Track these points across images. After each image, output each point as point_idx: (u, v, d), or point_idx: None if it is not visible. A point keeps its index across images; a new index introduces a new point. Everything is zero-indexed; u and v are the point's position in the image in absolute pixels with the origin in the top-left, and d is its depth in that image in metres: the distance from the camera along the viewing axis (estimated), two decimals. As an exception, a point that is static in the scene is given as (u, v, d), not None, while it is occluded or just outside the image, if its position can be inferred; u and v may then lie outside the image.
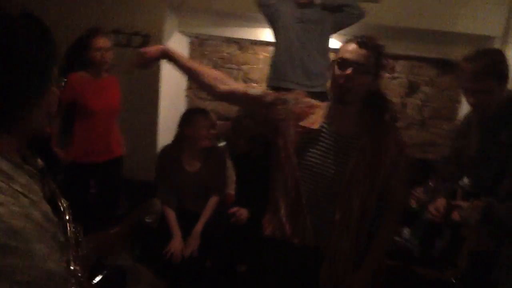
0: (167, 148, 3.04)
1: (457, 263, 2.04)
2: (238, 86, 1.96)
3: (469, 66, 1.95)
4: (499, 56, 2.00)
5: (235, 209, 2.93)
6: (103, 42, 3.03)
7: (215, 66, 4.68)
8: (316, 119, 1.82)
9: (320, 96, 3.31)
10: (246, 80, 4.64)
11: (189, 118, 2.98)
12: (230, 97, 1.93)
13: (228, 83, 1.93)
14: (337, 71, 1.75)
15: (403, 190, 1.93)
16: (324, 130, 1.82)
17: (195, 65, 1.96)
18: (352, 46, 1.75)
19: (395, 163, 1.81)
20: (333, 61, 1.79)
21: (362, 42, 1.74)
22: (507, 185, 1.99)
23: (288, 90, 2.71)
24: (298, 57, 3.28)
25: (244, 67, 4.52)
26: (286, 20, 3.30)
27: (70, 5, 4.10)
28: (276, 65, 3.37)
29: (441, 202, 2.25)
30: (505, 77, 1.98)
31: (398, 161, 1.82)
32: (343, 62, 1.74)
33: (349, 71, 1.72)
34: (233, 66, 4.67)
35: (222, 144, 3.54)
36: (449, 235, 2.14)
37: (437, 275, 2.62)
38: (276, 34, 3.39)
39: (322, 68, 3.31)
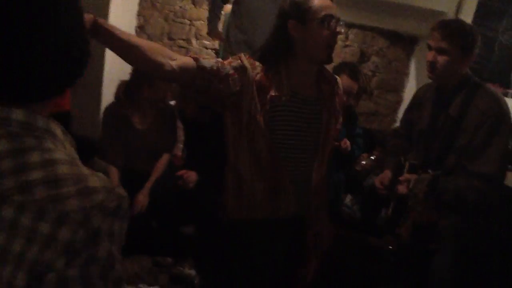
0: (114, 105, 2.91)
1: (400, 232, 2.12)
2: (186, 59, 1.59)
3: (442, 26, 2.05)
4: (471, 31, 2.08)
5: (183, 171, 2.88)
6: None
7: (166, 20, 4.50)
8: (278, 86, 1.71)
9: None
10: (198, 36, 4.50)
11: (151, 80, 2.83)
12: (181, 75, 1.57)
13: (176, 57, 1.56)
14: (324, 30, 1.65)
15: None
16: (292, 97, 1.74)
17: (132, 38, 1.50)
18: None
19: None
20: (313, 19, 1.65)
21: None
22: (451, 159, 2.08)
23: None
24: (262, 25, 3.18)
25: (197, 23, 4.36)
26: None
27: None
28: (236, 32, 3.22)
29: (386, 175, 2.32)
30: (468, 50, 2.05)
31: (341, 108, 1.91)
32: (329, 18, 1.64)
33: (341, 28, 1.68)
34: (186, 21, 4.49)
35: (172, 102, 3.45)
36: (393, 206, 2.22)
37: (378, 243, 2.73)
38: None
39: None
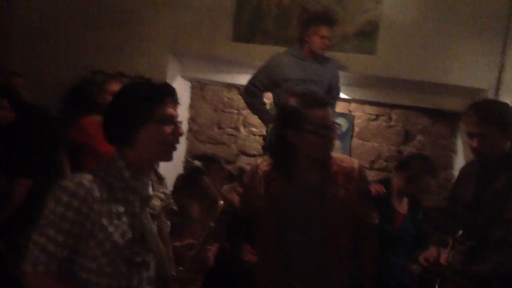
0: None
1: None
2: None
3: (475, 111, 2.07)
4: (504, 107, 2.14)
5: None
6: (116, 86, 3.12)
7: (216, 110, 4.79)
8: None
9: None
10: (246, 124, 4.73)
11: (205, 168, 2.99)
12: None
13: None
14: None
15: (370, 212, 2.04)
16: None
17: None
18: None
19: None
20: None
21: None
22: (496, 233, 2.04)
23: None
24: None
25: (244, 111, 4.61)
26: (289, 83, 3.35)
27: (73, 47, 4.23)
28: None
29: (431, 252, 2.28)
30: (507, 126, 2.07)
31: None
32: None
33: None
34: (234, 110, 4.77)
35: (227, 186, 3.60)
36: (439, 284, 2.17)
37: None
38: (277, 96, 3.45)
39: None
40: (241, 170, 3.56)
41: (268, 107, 3.91)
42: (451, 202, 2.46)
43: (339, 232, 1.91)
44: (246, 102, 3.61)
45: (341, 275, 1.94)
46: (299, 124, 1.84)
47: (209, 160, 3.08)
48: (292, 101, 1.87)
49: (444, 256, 2.11)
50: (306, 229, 1.90)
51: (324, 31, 3.40)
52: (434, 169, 2.84)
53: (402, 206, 2.86)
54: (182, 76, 4.50)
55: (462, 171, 2.46)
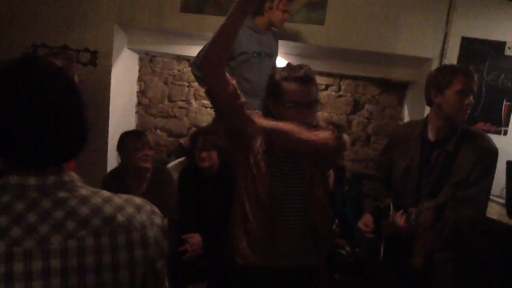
0: (110, 173, 3.03)
1: (415, 262, 2.15)
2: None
3: (465, 71, 2.18)
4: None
5: (188, 235, 2.90)
6: (57, 63, 3.00)
7: (166, 83, 4.70)
8: None
9: None
10: (197, 97, 4.68)
11: (121, 142, 2.97)
12: (233, 100, 1.73)
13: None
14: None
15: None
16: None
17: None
18: None
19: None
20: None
21: None
22: (446, 192, 2.17)
23: None
24: (260, 93, 3.35)
25: (195, 84, 4.55)
26: (244, 56, 3.31)
27: (13, 20, 4.01)
28: None
29: (369, 218, 2.38)
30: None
31: None
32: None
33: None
34: (184, 83, 4.70)
35: (176, 161, 3.56)
36: (384, 248, 2.27)
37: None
38: (231, 69, 3.35)
39: None
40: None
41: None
42: (382, 167, 2.54)
43: (317, 198, 1.95)
44: (195, 75, 3.50)
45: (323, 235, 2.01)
46: (279, 97, 1.87)
47: (127, 134, 3.04)
48: (277, 74, 1.89)
49: (403, 219, 2.21)
50: (292, 196, 1.93)
51: (287, 5, 3.36)
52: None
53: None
54: (129, 48, 4.37)
55: (393, 136, 2.57)
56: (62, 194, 0.97)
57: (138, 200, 1.07)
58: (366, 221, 2.37)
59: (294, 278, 1.96)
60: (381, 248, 2.26)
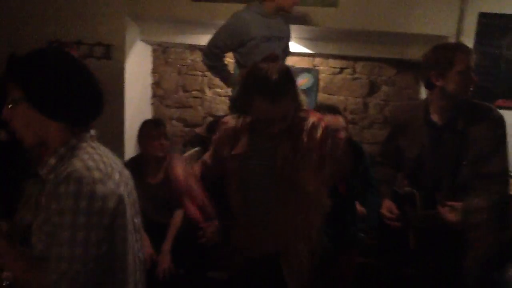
0: (129, 161, 3.05)
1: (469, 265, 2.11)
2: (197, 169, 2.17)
3: (465, 49, 2.16)
4: None
5: (205, 224, 2.89)
6: None
7: (180, 73, 4.70)
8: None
9: None
10: (211, 86, 4.67)
11: (139, 130, 3.01)
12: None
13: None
14: None
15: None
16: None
17: None
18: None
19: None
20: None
21: None
22: (465, 171, 2.12)
23: None
24: None
25: (209, 73, 4.53)
26: (254, 42, 3.25)
27: (28, 17, 4.04)
28: None
29: (390, 204, 2.33)
30: None
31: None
32: None
33: None
34: (198, 72, 4.69)
35: (192, 150, 3.56)
36: (415, 237, 2.23)
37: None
38: (241, 56, 3.34)
39: None
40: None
41: (230, 68, 3.84)
42: (389, 154, 2.49)
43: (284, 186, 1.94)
44: (206, 65, 3.49)
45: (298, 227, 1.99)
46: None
47: (146, 122, 3.07)
48: (257, 68, 1.85)
49: (452, 214, 2.12)
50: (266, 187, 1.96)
51: None
52: (336, 109, 2.79)
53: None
54: (142, 40, 4.37)
55: (397, 120, 2.47)
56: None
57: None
58: (390, 207, 2.32)
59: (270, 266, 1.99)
60: (412, 237, 2.22)
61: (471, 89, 2.14)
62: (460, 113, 2.17)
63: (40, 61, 1.26)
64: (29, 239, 1.29)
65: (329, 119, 2.56)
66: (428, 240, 2.21)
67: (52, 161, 1.30)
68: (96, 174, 1.23)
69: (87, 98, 1.33)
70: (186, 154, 3.56)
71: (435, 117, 2.23)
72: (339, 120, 2.69)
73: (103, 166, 1.27)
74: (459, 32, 3.70)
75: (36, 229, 1.25)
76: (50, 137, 1.31)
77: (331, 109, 2.75)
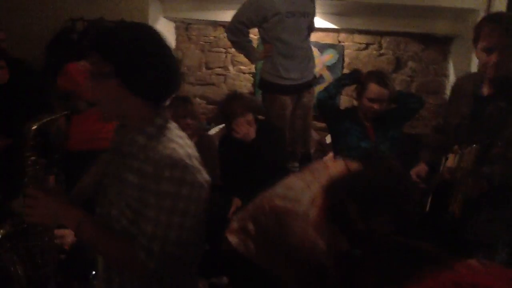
0: None
1: (452, 209, 2.06)
2: None
3: (496, 22, 1.95)
4: None
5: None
6: None
7: (203, 51, 4.69)
8: None
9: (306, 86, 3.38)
10: (235, 63, 4.65)
11: (168, 107, 2.98)
12: None
13: None
14: None
15: None
16: None
17: None
18: None
19: None
20: None
21: None
22: (498, 148, 2.06)
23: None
24: (296, 54, 3.29)
25: (232, 50, 4.51)
26: (278, 17, 3.22)
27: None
28: (273, 62, 3.32)
29: (423, 168, 2.31)
30: None
31: None
32: None
33: None
34: (221, 49, 4.68)
35: (217, 128, 3.57)
36: (430, 200, 2.21)
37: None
38: (265, 31, 3.32)
39: (312, 60, 3.40)
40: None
41: (254, 43, 3.82)
42: (445, 119, 2.45)
43: None
44: (231, 41, 3.48)
45: None
46: None
47: (174, 100, 3.05)
48: None
49: (451, 161, 2.11)
50: None
51: None
52: (385, 80, 2.75)
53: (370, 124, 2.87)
54: (165, 17, 4.37)
55: (455, 88, 2.42)
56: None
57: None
58: (419, 170, 2.30)
59: None
60: (429, 200, 2.21)
61: (495, 68, 2.03)
62: (508, 88, 2.07)
63: (131, 37, 1.25)
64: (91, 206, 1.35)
65: (374, 90, 2.70)
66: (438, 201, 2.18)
67: (141, 139, 1.30)
68: (196, 163, 1.29)
69: (170, 75, 1.30)
70: (211, 132, 3.57)
71: (484, 88, 2.16)
72: (384, 94, 2.73)
73: (197, 154, 1.32)
74: (489, 4, 3.58)
75: (119, 203, 1.29)
76: (132, 113, 1.31)
77: (381, 80, 2.74)
